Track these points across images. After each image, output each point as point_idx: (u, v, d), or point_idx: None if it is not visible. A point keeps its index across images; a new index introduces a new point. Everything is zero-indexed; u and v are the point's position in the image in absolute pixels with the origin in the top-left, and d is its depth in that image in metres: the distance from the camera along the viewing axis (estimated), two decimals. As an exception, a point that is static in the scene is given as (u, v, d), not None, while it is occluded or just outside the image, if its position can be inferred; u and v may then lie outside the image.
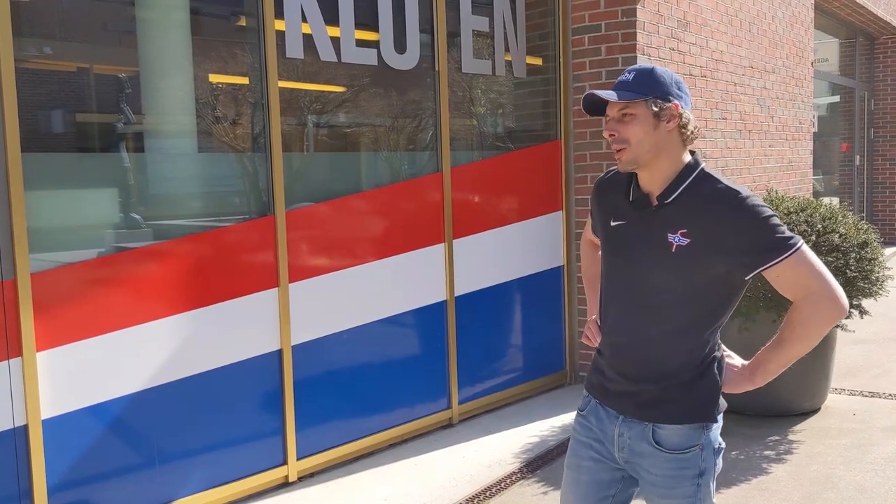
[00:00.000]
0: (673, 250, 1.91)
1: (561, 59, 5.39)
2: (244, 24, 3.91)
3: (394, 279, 4.43)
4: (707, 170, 1.98)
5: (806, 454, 4.28)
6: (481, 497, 3.83)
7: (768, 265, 1.87)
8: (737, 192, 1.90)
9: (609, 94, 1.92)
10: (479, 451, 4.38)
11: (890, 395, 5.28)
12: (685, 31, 5.67)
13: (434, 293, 4.66)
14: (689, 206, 1.92)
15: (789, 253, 1.86)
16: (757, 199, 1.89)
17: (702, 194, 1.92)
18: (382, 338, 4.42)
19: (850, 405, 5.08)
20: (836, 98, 12.29)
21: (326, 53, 4.09)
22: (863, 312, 4.73)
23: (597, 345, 2.16)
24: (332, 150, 4.50)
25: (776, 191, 5.08)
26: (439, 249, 4.67)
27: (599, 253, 2.21)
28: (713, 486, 2.03)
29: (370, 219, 4.38)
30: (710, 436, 2.00)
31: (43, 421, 3.13)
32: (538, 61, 5.40)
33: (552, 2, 5.36)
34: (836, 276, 4.42)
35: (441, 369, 4.74)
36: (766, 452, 4.31)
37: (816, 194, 9.34)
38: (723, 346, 2.06)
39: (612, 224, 2.06)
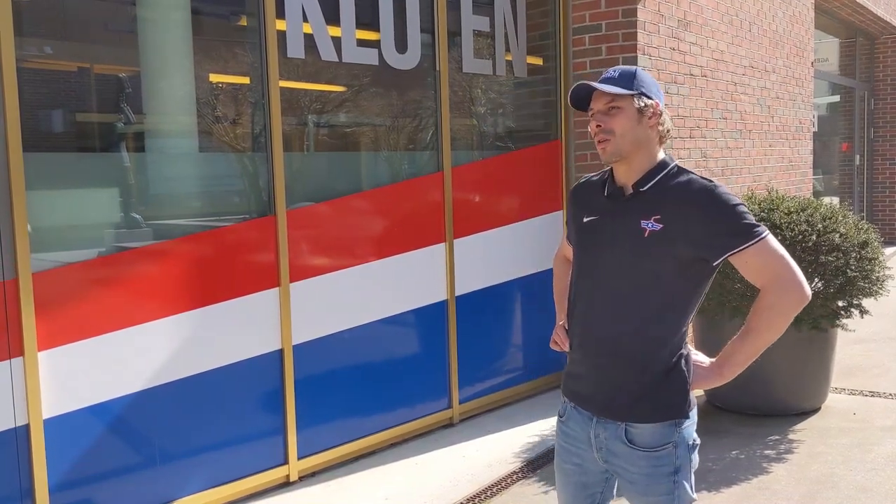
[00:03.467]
0: (646, 235, 1.98)
1: (561, 59, 5.39)
2: (245, 23, 3.91)
3: (394, 279, 4.44)
4: (680, 165, 2.08)
5: (806, 454, 4.28)
6: (482, 496, 3.84)
7: (736, 250, 1.96)
8: (709, 182, 2.01)
9: (603, 86, 2.02)
10: (480, 450, 4.38)
11: (890, 394, 5.28)
12: (685, 31, 5.68)
13: (435, 293, 4.67)
14: (662, 194, 2.02)
15: (756, 239, 1.95)
16: (727, 190, 2.00)
17: (675, 184, 2.03)
18: (383, 337, 4.42)
19: (850, 405, 5.08)
20: (837, 98, 12.29)
21: (327, 53, 4.09)
22: (863, 312, 4.73)
23: (566, 349, 2.21)
24: (333, 150, 4.50)
25: (776, 190, 5.07)
26: (440, 249, 4.67)
27: (570, 269, 2.30)
28: (691, 482, 2.08)
29: (371, 218, 4.38)
30: (683, 433, 2.05)
31: (44, 420, 3.14)
32: (539, 61, 5.40)
33: (553, 2, 5.36)
34: (836, 275, 4.51)
35: (442, 369, 4.74)
36: (767, 452, 4.31)
37: (816, 194, 9.33)
38: (688, 345, 2.11)
39: (586, 220, 2.13)
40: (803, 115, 7.95)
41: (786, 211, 4.67)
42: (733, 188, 6.38)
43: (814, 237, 4.51)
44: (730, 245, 1.96)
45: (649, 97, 2.03)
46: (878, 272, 4.69)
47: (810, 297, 2.00)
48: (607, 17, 5.23)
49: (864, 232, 4.73)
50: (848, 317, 4.72)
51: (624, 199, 2.06)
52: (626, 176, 2.07)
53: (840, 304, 4.69)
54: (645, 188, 2.03)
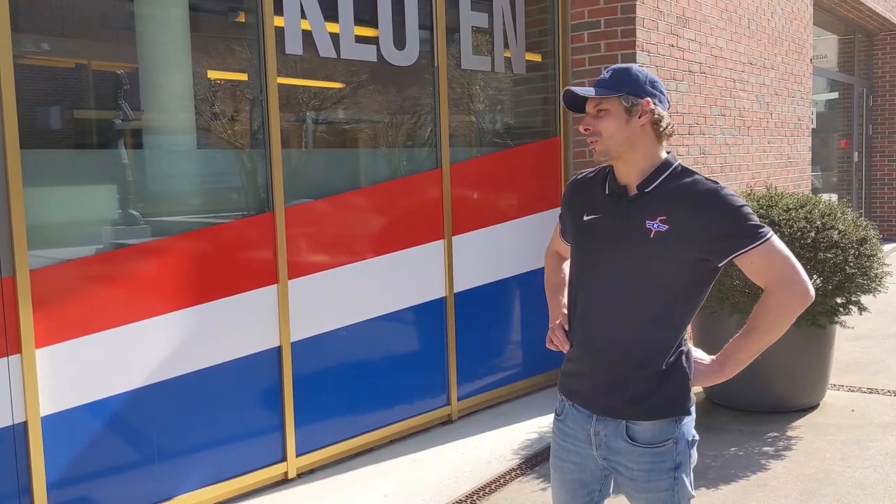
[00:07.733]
0: (651, 236, 1.98)
1: (560, 56, 5.39)
2: (243, 20, 3.90)
3: (393, 276, 4.43)
4: (684, 165, 2.08)
5: (804, 450, 4.28)
6: (481, 493, 3.84)
7: (741, 251, 1.96)
8: (714, 184, 2.00)
9: (583, 91, 2.03)
10: (479, 447, 4.38)
11: (888, 391, 5.28)
12: (684, 28, 5.67)
13: (433, 290, 4.66)
14: (668, 195, 2.01)
15: (762, 241, 1.96)
16: (731, 191, 2.00)
17: (681, 185, 2.02)
18: (382, 334, 4.42)
19: (848, 401, 5.09)
20: (835, 94, 12.29)
21: (325, 50, 4.08)
22: (861, 309, 4.73)
23: (566, 349, 2.17)
24: (331, 147, 4.50)
25: (775, 187, 5.07)
26: (438, 246, 4.67)
27: (564, 264, 2.31)
28: (690, 478, 2.08)
29: (369, 215, 4.38)
30: (683, 429, 2.05)
31: (42, 418, 3.13)
32: (537, 58, 5.39)
33: (551, -2, 5.36)
34: (834, 272, 4.51)
35: (440, 366, 4.74)
36: (765, 449, 4.32)
37: (815, 191, 9.34)
38: (688, 342, 2.10)
39: (585, 219, 2.12)
40: (802, 111, 7.95)
41: (784, 208, 4.67)
42: (732, 185, 6.38)
43: (812, 234, 4.51)
44: (735, 247, 1.96)
45: (638, 95, 2.00)
46: (877, 269, 4.69)
47: (814, 297, 2.00)
48: (606, 13, 5.22)
49: (863, 228, 4.73)
50: (847, 314, 4.72)
51: (627, 199, 2.04)
52: (628, 175, 2.05)
53: (839, 300, 4.70)
54: (649, 189, 2.01)
